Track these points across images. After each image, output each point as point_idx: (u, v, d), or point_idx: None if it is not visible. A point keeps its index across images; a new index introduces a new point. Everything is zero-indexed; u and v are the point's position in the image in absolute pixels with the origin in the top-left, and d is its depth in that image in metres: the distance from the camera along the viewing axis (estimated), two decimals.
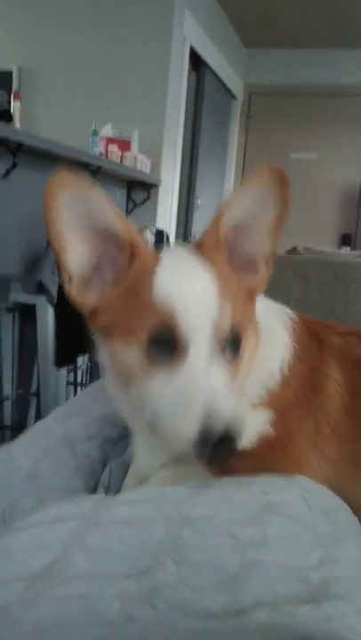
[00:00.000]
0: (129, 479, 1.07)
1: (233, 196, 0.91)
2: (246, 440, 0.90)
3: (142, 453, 0.99)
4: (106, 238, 0.88)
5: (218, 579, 0.62)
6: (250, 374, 0.92)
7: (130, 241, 0.88)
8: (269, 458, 0.92)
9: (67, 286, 0.88)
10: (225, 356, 0.83)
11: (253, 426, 0.92)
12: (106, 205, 0.86)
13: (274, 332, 1.00)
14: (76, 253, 0.87)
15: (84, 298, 0.89)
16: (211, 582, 0.62)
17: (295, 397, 0.96)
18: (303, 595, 0.61)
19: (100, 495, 0.90)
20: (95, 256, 0.88)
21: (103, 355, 0.94)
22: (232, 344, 0.85)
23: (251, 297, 0.95)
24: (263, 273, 0.95)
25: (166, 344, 0.81)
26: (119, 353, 0.86)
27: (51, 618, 0.53)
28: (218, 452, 0.73)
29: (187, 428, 0.75)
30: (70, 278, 0.88)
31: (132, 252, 0.88)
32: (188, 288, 0.84)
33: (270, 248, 0.94)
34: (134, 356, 0.83)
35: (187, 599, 0.59)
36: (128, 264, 0.88)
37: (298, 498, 0.79)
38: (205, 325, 0.82)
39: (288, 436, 0.93)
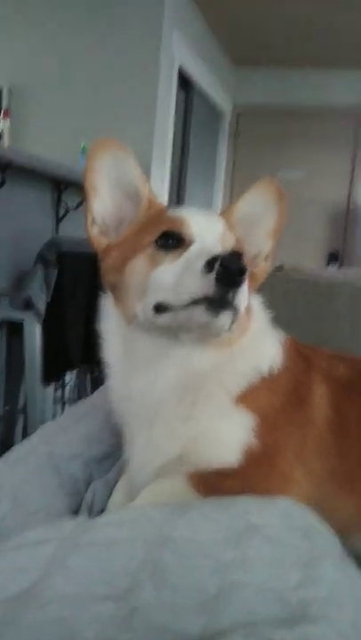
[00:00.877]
0: (115, 497, 1.07)
1: (242, 197, 1.07)
2: (232, 456, 0.91)
3: (139, 452, 1.00)
4: (130, 197, 1.03)
5: (198, 601, 0.62)
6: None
7: (148, 199, 1.03)
8: (256, 475, 0.93)
9: (88, 227, 1.02)
10: None
11: (238, 434, 0.94)
12: (136, 170, 1.02)
13: (266, 338, 1.05)
14: (102, 201, 1.02)
15: (101, 239, 1.03)
16: (190, 604, 0.62)
17: (281, 406, 0.98)
18: (282, 616, 0.61)
19: (80, 517, 0.90)
20: (120, 212, 1.03)
21: (106, 310, 1.04)
22: None
23: (252, 280, 1.05)
24: (262, 267, 1.10)
25: (174, 241, 0.91)
26: (130, 269, 0.95)
27: None
28: (228, 268, 0.79)
29: (195, 271, 0.82)
30: (93, 221, 1.02)
31: (149, 207, 1.03)
32: (197, 212, 0.98)
33: (270, 247, 1.10)
34: (144, 257, 0.93)
35: (166, 622, 0.59)
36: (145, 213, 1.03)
37: (279, 518, 0.79)
38: (210, 232, 0.93)
39: (274, 447, 0.95)
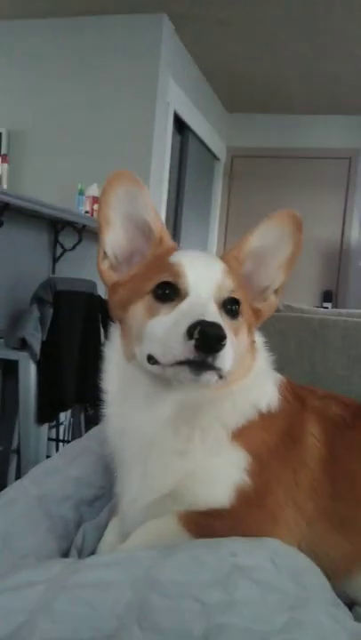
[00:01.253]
0: (106, 538, 1.07)
1: (255, 229, 1.05)
2: (224, 496, 0.92)
3: (132, 487, 1.00)
4: (142, 231, 1.04)
5: None
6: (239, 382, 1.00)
7: (160, 236, 1.04)
8: (247, 516, 0.93)
9: (99, 261, 1.03)
10: (222, 313, 0.93)
11: (231, 473, 0.94)
12: (149, 205, 1.03)
13: (267, 378, 1.07)
14: (115, 235, 1.03)
15: (111, 274, 1.04)
16: None
17: (275, 446, 0.99)
18: None
19: (68, 559, 0.90)
20: (131, 246, 1.04)
21: (114, 338, 1.05)
22: (230, 310, 0.95)
23: (257, 316, 1.07)
24: (272, 300, 1.09)
25: (171, 291, 0.92)
26: (131, 313, 0.97)
27: None
28: (207, 337, 0.81)
29: (179, 334, 0.83)
30: (105, 255, 1.03)
31: (159, 244, 1.03)
32: (197, 258, 0.99)
33: (281, 280, 1.08)
34: (143, 305, 0.94)
35: None
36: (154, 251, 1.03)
37: (267, 560, 0.79)
38: (207, 281, 0.93)
39: (265, 487, 0.95)
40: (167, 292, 0.92)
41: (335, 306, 5.97)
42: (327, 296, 6.18)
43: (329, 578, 0.90)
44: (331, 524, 0.99)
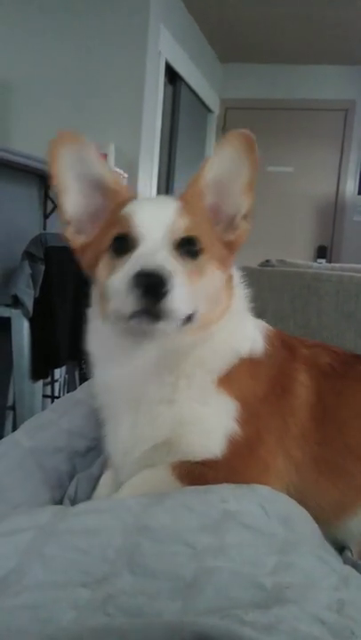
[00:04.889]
0: (100, 490, 1.08)
1: (208, 158, 1.03)
2: (216, 446, 0.92)
3: (122, 440, 1.01)
4: (98, 189, 1.02)
5: (174, 586, 0.63)
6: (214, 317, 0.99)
7: (116, 188, 1.03)
8: (239, 465, 0.94)
9: (64, 229, 1.03)
10: (178, 254, 0.92)
11: (222, 422, 0.95)
12: (97, 160, 1.01)
13: (244, 319, 1.07)
14: (73, 200, 1.02)
15: (77, 239, 1.03)
16: (167, 590, 0.63)
17: (264, 395, 1.00)
18: (256, 600, 0.62)
19: (58, 506, 0.90)
20: (91, 205, 1.03)
21: (94, 296, 1.04)
22: (189, 249, 0.94)
23: (230, 248, 1.04)
24: (242, 228, 1.05)
25: (124, 245, 0.92)
26: (97, 273, 0.97)
27: (3, 627, 0.53)
28: (146, 285, 0.82)
29: (125, 287, 0.84)
30: (68, 222, 1.02)
31: (116, 196, 1.02)
32: (147, 206, 0.98)
33: (247, 205, 1.04)
34: (104, 264, 0.95)
35: (142, 606, 0.60)
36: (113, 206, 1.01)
37: (256, 506, 0.80)
38: (157, 226, 0.93)
39: (257, 436, 0.96)
40: (123, 244, 0.92)
41: (330, 262, 5.94)
42: (322, 252, 6.15)
43: (319, 524, 0.91)
44: (319, 471, 1.00)
